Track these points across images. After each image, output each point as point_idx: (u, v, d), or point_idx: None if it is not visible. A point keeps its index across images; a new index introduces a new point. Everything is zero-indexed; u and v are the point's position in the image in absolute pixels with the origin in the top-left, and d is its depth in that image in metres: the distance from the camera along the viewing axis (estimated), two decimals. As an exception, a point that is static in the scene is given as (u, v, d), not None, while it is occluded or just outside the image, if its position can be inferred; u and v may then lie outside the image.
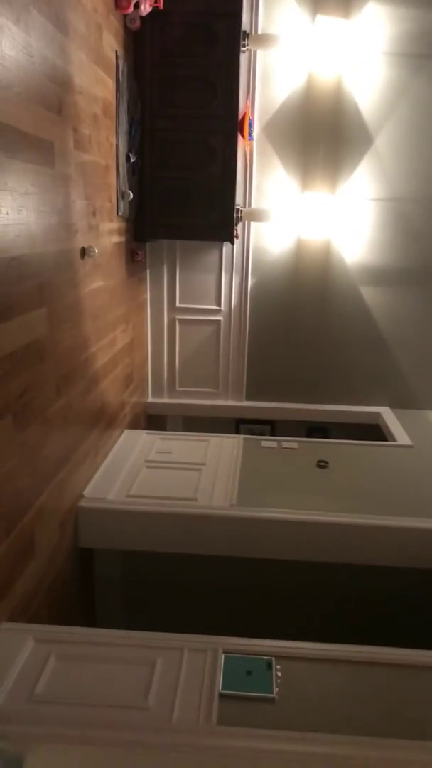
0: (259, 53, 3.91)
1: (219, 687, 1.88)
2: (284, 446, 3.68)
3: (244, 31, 3.55)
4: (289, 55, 3.90)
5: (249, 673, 1.94)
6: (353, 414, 4.55)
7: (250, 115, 3.89)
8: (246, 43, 3.60)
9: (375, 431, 4.41)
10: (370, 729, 1.76)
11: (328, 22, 3.76)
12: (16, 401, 2.13)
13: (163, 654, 2.01)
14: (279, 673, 1.94)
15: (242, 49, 3.53)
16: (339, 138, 4.04)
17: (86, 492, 3.00)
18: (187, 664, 1.97)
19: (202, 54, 3.51)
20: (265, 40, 3.72)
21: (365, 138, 4.02)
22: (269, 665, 1.97)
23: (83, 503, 2.92)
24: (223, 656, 2.00)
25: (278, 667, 1.97)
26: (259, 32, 3.85)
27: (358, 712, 1.82)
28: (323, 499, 3.04)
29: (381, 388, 4.54)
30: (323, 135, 4.04)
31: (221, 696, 1.86)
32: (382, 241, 4.22)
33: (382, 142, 4.01)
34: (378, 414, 4.48)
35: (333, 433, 4.68)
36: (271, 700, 1.85)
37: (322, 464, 3.41)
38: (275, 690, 1.88)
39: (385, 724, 1.78)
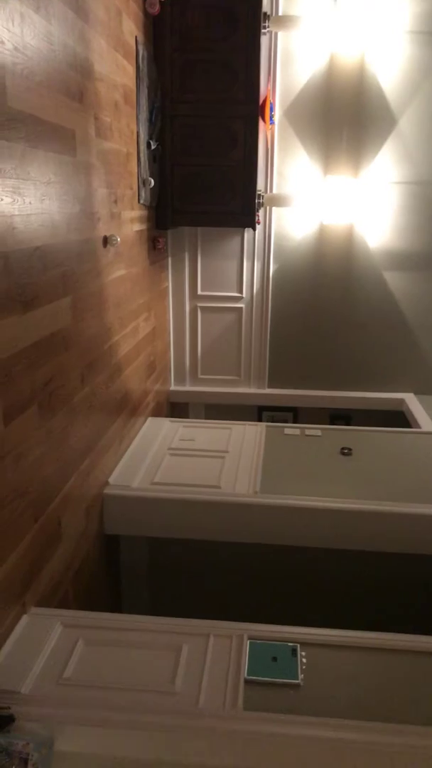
0: (280, 35, 3.85)
1: (244, 673, 1.90)
2: (307, 433, 3.66)
3: (265, 13, 3.50)
4: (311, 36, 3.84)
5: (274, 659, 1.95)
6: (377, 400, 4.51)
7: (271, 98, 3.84)
8: (267, 24, 3.54)
9: (399, 418, 4.37)
10: (395, 715, 1.76)
11: (351, 0, 3.68)
12: (41, 390, 2.15)
13: (189, 640, 2.03)
14: (304, 660, 1.95)
15: (263, 31, 3.48)
16: (362, 120, 3.97)
17: (111, 479, 3.03)
18: (212, 650, 1.99)
19: (223, 37, 3.47)
20: (286, 21, 3.66)
21: (389, 120, 3.95)
22: (294, 651, 1.98)
23: (108, 490, 2.95)
24: (248, 642, 2.02)
25: (303, 653, 1.98)
26: (280, 13, 3.79)
27: (384, 699, 1.82)
28: (347, 486, 3.03)
29: (405, 374, 4.49)
30: (346, 117, 3.98)
31: (247, 682, 1.87)
32: (405, 226, 4.16)
33: (405, 123, 3.94)
34: (402, 400, 4.43)
35: (356, 419, 4.65)
36: (297, 686, 1.86)
37: (345, 451, 3.40)
38: (300, 676, 1.89)
39: (410, 711, 1.78)
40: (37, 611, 2.16)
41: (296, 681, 1.87)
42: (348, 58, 3.87)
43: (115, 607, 3.25)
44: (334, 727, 1.73)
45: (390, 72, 3.87)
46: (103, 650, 2.00)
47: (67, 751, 1.71)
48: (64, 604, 2.44)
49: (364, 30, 3.74)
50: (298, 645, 2.00)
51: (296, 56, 3.90)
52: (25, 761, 1.56)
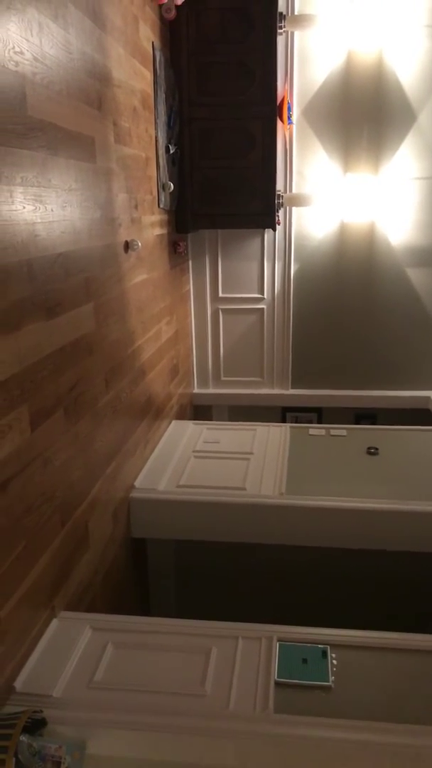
0: (297, 34, 3.83)
1: (275, 675, 1.89)
2: (332, 434, 3.64)
3: (281, 13, 3.49)
4: (328, 34, 3.82)
5: (304, 661, 1.94)
6: (402, 399, 4.46)
7: (288, 98, 3.83)
8: (283, 24, 3.54)
9: (426, 416, 4.32)
10: (427, 717, 1.74)
11: (367, -3, 3.66)
12: (66, 395, 2.17)
13: (218, 642, 2.03)
14: (335, 661, 1.93)
15: (279, 31, 3.48)
16: (381, 117, 3.93)
17: (137, 483, 3.04)
18: (242, 653, 1.98)
19: (239, 39, 3.47)
20: (302, 20, 3.65)
21: (408, 115, 3.90)
22: (324, 653, 1.96)
23: (135, 494, 2.96)
24: (277, 644, 2.00)
25: (334, 655, 1.96)
26: (296, 12, 3.78)
27: (416, 701, 1.80)
28: (374, 486, 3.00)
29: (430, 371, 4.43)
30: (365, 115, 3.94)
31: (277, 684, 1.86)
32: (427, 221, 4.10)
33: (425, 118, 3.89)
34: (428, 398, 4.38)
35: (382, 419, 4.60)
36: (328, 689, 1.85)
37: (372, 451, 3.36)
38: (331, 678, 1.87)
39: (445, 714, 1.75)
40: (66, 615, 2.17)
41: (327, 683, 1.86)
42: (365, 55, 3.84)
43: (143, 610, 3.26)
44: (366, 729, 1.71)
45: (408, 67, 3.83)
46: (133, 653, 2.01)
47: (98, 754, 1.72)
48: (92, 608, 2.46)
49: (381, 26, 3.71)
50: (329, 647, 1.99)
51: (313, 55, 3.88)
52: (58, 764, 1.57)
